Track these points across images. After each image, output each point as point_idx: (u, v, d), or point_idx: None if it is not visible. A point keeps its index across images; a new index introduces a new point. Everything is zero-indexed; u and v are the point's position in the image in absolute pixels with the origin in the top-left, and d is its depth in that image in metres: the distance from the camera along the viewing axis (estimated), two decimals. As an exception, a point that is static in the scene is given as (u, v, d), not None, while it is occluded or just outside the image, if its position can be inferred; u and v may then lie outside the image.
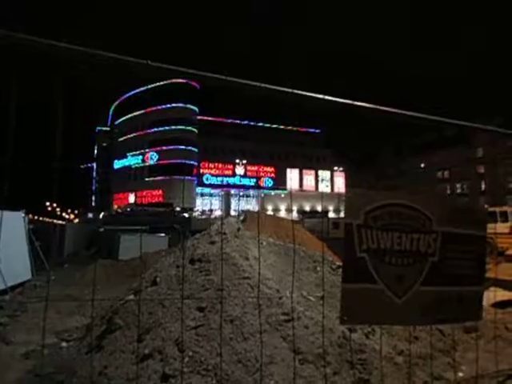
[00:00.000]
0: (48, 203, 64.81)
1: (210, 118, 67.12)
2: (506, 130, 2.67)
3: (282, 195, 68.45)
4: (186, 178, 60.21)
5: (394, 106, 2.13)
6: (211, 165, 65.69)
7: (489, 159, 56.51)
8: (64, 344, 5.44)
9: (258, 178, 68.64)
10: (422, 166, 65.68)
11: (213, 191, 65.87)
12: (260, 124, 72.09)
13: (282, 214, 60.29)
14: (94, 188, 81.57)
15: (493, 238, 13.33)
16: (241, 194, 66.56)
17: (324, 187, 73.63)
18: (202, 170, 64.54)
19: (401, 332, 4.50)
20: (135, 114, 66.33)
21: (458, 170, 60.47)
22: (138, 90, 66.48)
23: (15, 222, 10.57)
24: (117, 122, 71.79)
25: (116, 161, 69.84)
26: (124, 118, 69.13)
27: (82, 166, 71.44)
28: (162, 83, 60.27)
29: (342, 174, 75.18)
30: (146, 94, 64.49)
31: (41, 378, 4.19)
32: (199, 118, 65.52)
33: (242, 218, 9.97)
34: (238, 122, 69.64)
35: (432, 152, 62.31)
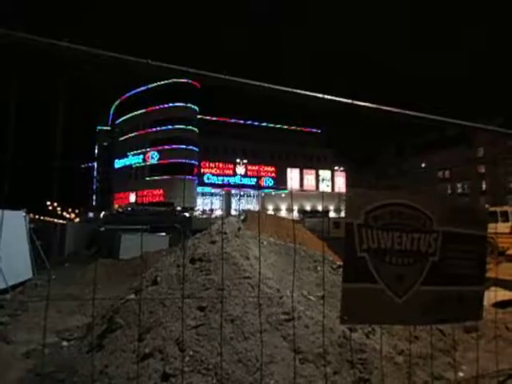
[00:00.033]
0: (49, 202, 64.90)
1: (210, 118, 67.16)
2: (507, 130, 2.66)
3: (283, 195, 68.44)
4: (187, 177, 60.18)
5: (395, 106, 2.12)
6: (212, 164, 65.71)
7: (489, 159, 56.44)
8: (65, 343, 5.44)
9: (259, 178, 68.64)
10: (423, 165, 65.63)
11: (213, 191, 65.89)
12: (260, 124, 72.08)
13: (283, 213, 60.28)
14: (94, 187, 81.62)
15: (493, 237, 13.32)
16: (241, 193, 66.57)
17: (325, 187, 73.61)
18: (202, 170, 64.56)
19: (401, 332, 4.50)
20: (136, 113, 66.35)
21: (459, 169, 60.41)
22: (138, 90, 66.47)
23: (16, 221, 10.58)
24: (117, 122, 71.82)
25: (117, 160, 69.87)
26: (125, 118, 69.14)
27: (82, 166, 71.61)
28: (162, 83, 60.27)
29: (343, 174, 75.17)
30: (146, 93, 64.47)
31: (42, 377, 4.19)
32: (200, 117, 65.54)
33: (242, 217, 9.97)
34: (239, 121, 69.64)
35: (433, 152, 62.26)
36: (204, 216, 48.96)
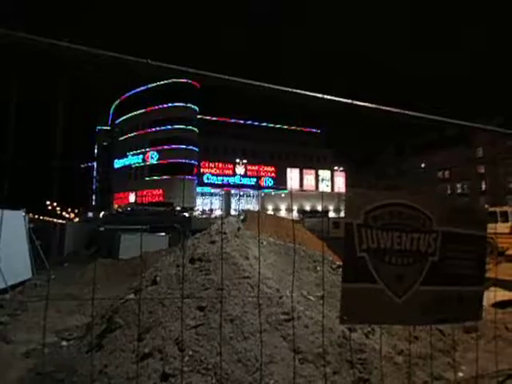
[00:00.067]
0: (48, 202, 64.87)
1: (210, 118, 67.16)
2: (506, 130, 2.66)
3: (283, 195, 68.44)
4: (187, 177, 60.19)
5: (394, 106, 2.13)
6: (211, 164, 65.70)
7: (489, 159, 56.47)
8: (64, 343, 5.44)
9: (259, 178, 68.63)
10: (423, 165, 65.65)
11: (213, 191, 65.87)
12: (260, 124, 72.08)
13: (283, 213, 60.29)
14: (94, 187, 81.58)
15: (493, 237, 13.33)
16: (241, 193, 66.56)
17: (324, 187, 73.62)
18: (202, 170, 64.55)
19: (401, 332, 4.50)
20: (136, 113, 66.31)
21: (459, 170, 60.45)
22: (138, 90, 66.44)
23: (15, 221, 10.58)
24: (117, 121, 71.79)
25: (116, 160, 69.84)
26: (124, 117, 69.12)
27: (82, 165, 71.54)
28: (162, 82, 60.27)
29: (343, 174, 75.18)
30: (146, 93, 64.45)
31: (42, 376, 4.19)
32: (199, 117, 65.53)
33: (242, 217, 9.97)
34: (239, 121, 69.63)
35: (433, 152, 62.29)
36: (203, 216, 48.96)
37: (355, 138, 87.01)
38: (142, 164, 64.33)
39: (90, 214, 60.59)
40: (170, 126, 62.59)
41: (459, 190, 63.06)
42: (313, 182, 73.58)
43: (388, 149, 73.64)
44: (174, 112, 62.42)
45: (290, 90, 1.90)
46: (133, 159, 65.95)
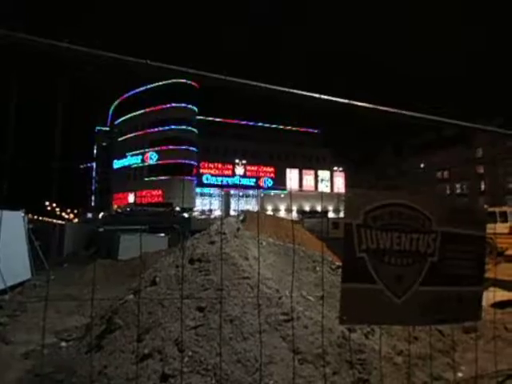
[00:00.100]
0: (47, 203, 64.79)
1: (209, 118, 67.17)
2: (506, 131, 2.67)
3: (282, 195, 68.44)
4: (186, 178, 60.19)
5: (393, 106, 2.13)
6: (211, 165, 65.71)
7: (488, 159, 56.54)
8: (63, 344, 5.44)
9: (258, 178, 68.65)
10: (422, 166, 65.70)
11: (212, 191, 65.88)
12: (260, 124, 72.12)
13: (282, 214, 60.29)
14: (93, 188, 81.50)
15: (492, 238, 13.33)
16: (240, 194, 66.55)
17: (323, 187, 73.64)
18: (201, 170, 64.55)
19: (400, 332, 4.50)
20: (135, 113, 66.29)
21: (458, 170, 60.51)
22: (137, 90, 66.45)
23: (15, 221, 10.57)
24: (116, 122, 71.76)
25: (115, 161, 69.80)
26: (124, 118, 69.09)
27: (81, 166, 71.56)
28: (161, 83, 60.27)
29: (342, 174, 75.23)
30: (145, 93, 64.46)
31: (41, 377, 4.19)
32: (199, 117, 65.54)
33: (241, 218, 9.96)
34: (238, 121, 69.65)
35: (432, 152, 62.33)
36: (203, 216, 48.95)
37: (354, 138, 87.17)
38: (142, 164, 64.32)
39: (90, 215, 60.65)
40: (169, 127, 62.58)
41: (458, 191, 63.13)
42: (312, 183, 73.61)
43: (386, 149, 73.68)
44: (173, 112, 62.41)
45: (287, 89, 1.90)
46: (132, 160, 65.92)
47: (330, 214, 62.92)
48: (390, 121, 2.20)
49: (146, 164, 63.86)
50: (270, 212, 52.58)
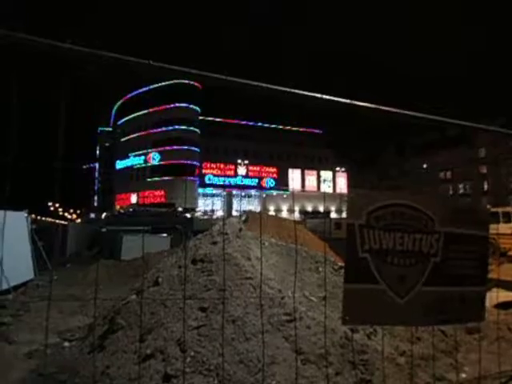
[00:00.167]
0: (50, 203, 64.94)
1: (212, 119, 67.18)
2: (508, 131, 2.66)
3: (284, 195, 68.40)
4: (188, 178, 60.23)
5: (395, 106, 2.12)
6: (213, 165, 65.75)
7: (491, 159, 56.34)
8: (66, 344, 5.45)
9: (260, 179, 68.64)
10: (425, 166, 65.55)
11: (215, 191, 65.90)
12: (261, 124, 72.07)
13: (284, 214, 60.24)
14: (96, 188, 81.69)
15: (495, 238, 13.28)
16: (243, 194, 66.56)
17: (326, 187, 73.59)
18: (204, 171, 64.59)
19: (403, 333, 4.49)
20: (138, 114, 66.40)
21: (461, 170, 60.31)
22: (140, 91, 66.56)
23: (18, 221, 10.61)
24: (119, 123, 71.92)
25: (118, 161, 69.95)
26: (126, 119, 69.23)
27: (84, 167, 71.73)
28: (164, 83, 60.33)
29: (344, 175, 75.15)
30: (148, 94, 64.52)
31: (44, 377, 4.20)
32: (201, 118, 65.59)
33: (243, 218, 9.97)
34: (239, 122, 69.63)
35: (434, 152, 62.19)
36: (205, 217, 48.93)
37: (356, 138, 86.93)
38: (144, 165, 64.41)
39: (92, 215, 60.72)
40: (172, 127, 62.65)
41: (461, 191, 62.93)
42: (314, 183, 73.56)
43: (388, 149, 73.51)
44: (176, 113, 62.47)
45: (288, 90, 1.90)
46: (135, 160, 66.06)
47: (333, 215, 62.86)
48: (393, 121, 2.20)
49: (149, 164, 63.93)
50: (272, 212, 52.53)
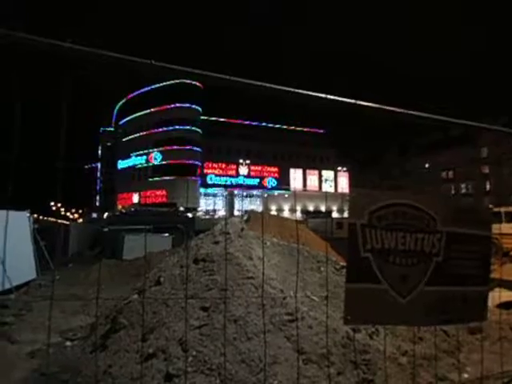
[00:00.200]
0: (52, 203, 65.02)
1: (213, 118, 67.19)
2: (510, 130, 2.65)
3: (286, 195, 68.39)
4: (190, 178, 60.25)
5: (398, 106, 2.11)
6: (215, 165, 65.79)
7: (493, 159, 56.21)
8: (69, 343, 5.47)
9: (262, 178, 68.64)
10: (427, 166, 65.44)
11: (216, 191, 65.94)
12: (263, 124, 72.04)
13: (286, 214, 60.18)
14: (98, 188, 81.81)
15: (498, 238, 13.25)
16: (244, 194, 66.57)
17: (328, 187, 73.58)
18: (205, 171, 64.64)
19: (405, 332, 4.48)
20: (139, 114, 66.40)
21: (463, 170, 60.21)
22: (142, 90, 66.57)
23: (20, 221, 10.63)
24: (121, 122, 71.96)
25: (120, 161, 70.01)
26: (128, 118, 69.27)
27: (86, 166, 71.87)
28: (166, 83, 60.32)
29: (346, 174, 75.10)
30: (150, 94, 64.55)
31: (46, 377, 4.21)
32: (203, 118, 65.60)
33: (245, 218, 9.97)
34: (241, 121, 69.61)
35: (436, 152, 62.10)
36: (207, 216, 48.99)
37: (359, 138, 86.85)
38: (146, 165, 64.44)
39: (94, 215, 60.89)
40: (173, 127, 62.66)
41: (463, 190, 62.81)
42: (316, 183, 73.54)
43: (392, 149, 73.42)
44: (177, 113, 62.48)
45: (292, 90, 1.89)
46: (136, 160, 66.11)
47: (334, 214, 62.74)
48: (397, 121, 2.19)
49: (151, 164, 63.94)
50: (274, 212, 52.52)
